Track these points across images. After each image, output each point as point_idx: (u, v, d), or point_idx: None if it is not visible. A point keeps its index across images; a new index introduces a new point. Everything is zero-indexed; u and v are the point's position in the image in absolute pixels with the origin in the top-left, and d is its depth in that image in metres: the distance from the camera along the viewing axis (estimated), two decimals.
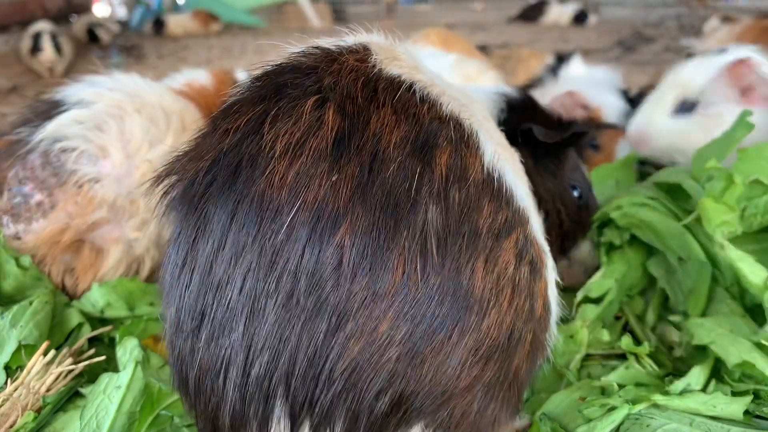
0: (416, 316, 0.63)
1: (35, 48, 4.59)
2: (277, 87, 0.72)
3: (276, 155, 0.64)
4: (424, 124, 0.69)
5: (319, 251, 0.61)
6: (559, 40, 6.41)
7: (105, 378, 1.05)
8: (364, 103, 0.68)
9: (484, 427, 0.74)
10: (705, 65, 1.72)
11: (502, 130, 0.94)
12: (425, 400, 0.66)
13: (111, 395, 1.02)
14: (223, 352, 0.65)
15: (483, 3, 11.61)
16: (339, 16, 8.92)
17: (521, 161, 0.93)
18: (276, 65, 0.79)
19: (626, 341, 1.12)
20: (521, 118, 1.14)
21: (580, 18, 7.71)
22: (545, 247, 0.81)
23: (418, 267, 0.62)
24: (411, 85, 0.73)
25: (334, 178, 0.62)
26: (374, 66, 0.74)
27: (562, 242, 1.21)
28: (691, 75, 1.72)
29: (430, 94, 0.74)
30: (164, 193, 0.74)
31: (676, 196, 1.30)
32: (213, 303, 0.65)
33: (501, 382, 0.72)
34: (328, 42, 0.82)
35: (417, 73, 0.78)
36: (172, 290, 0.70)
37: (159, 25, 7.44)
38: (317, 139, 0.64)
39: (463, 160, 0.69)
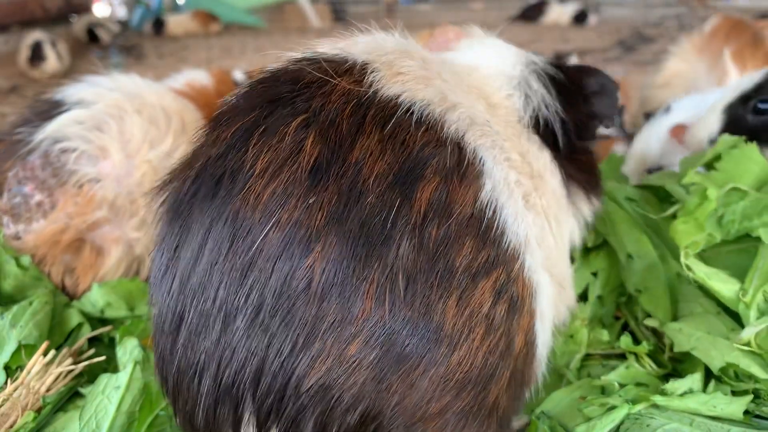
0: (385, 344, 0.63)
1: (35, 57, 4.57)
2: (271, 99, 0.72)
3: (255, 173, 0.65)
4: (414, 152, 0.68)
5: (289, 271, 0.62)
6: (559, 40, 6.41)
7: (104, 378, 1.05)
8: (348, 130, 0.67)
9: None
10: (655, 132, 1.75)
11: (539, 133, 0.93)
12: (395, 420, 0.67)
13: (110, 395, 1.02)
14: (197, 357, 0.67)
15: (483, 3, 11.60)
16: (339, 16, 8.92)
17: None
18: (276, 72, 0.79)
19: (625, 341, 1.12)
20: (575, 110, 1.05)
21: (580, 18, 7.70)
22: (536, 281, 0.79)
23: (387, 300, 0.63)
24: (410, 107, 0.72)
25: (310, 201, 0.63)
26: (370, 87, 0.73)
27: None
28: (647, 145, 1.76)
29: (432, 113, 0.73)
30: (162, 201, 0.77)
31: (664, 199, 1.31)
32: (190, 309, 0.67)
33: (476, 411, 0.72)
34: (330, 52, 0.81)
35: (424, 87, 0.76)
36: (155, 292, 0.73)
37: (159, 25, 7.44)
38: (294, 165, 0.65)
39: (450, 194, 0.68)
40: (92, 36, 6.56)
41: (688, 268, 1.05)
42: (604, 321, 1.23)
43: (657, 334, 1.19)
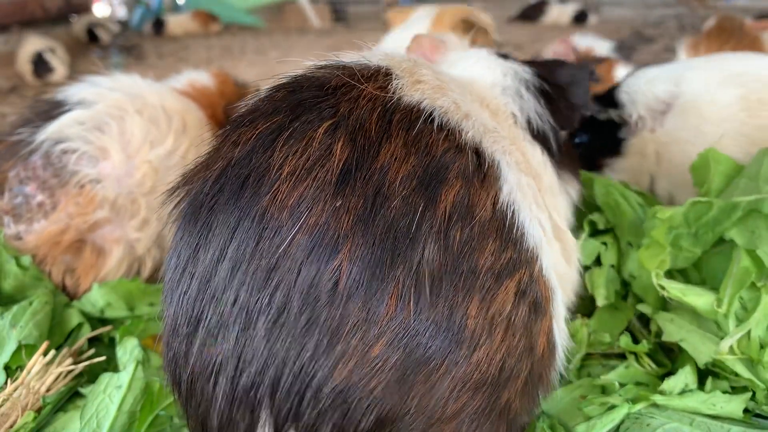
0: (408, 346, 0.63)
1: (40, 69, 4.53)
2: (294, 104, 0.72)
3: (283, 176, 0.65)
4: (436, 157, 0.69)
5: (316, 273, 0.62)
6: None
7: (105, 377, 1.05)
8: (376, 135, 0.68)
9: None
10: None
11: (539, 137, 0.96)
12: (412, 422, 0.67)
13: (111, 395, 1.02)
14: (214, 359, 0.66)
15: (483, 3, 11.61)
16: (339, 16, 8.92)
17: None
18: (297, 78, 0.79)
19: (625, 340, 1.12)
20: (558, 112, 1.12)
21: (580, 18, 7.71)
22: (553, 282, 0.80)
23: (412, 301, 0.63)
24: (431, 113, 0.73)
25: (337, 204, 0.63)
26: (394, 93, 0.74)
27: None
28: None
29: (450, 120, 0.74)
30: (176, 203, 0.76)
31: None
32: (208, 311, 0.66)
33: (488, 412, 0.73)
34: (352, 60, 0.82)
35: (440, 96, 0.78)
36: (171, 293, 0.71)
37: (159, 25, 7.44)
38: (324, 169, 0.65)
39: (471, 197, 0.69)
40: (92, 36, 6.56)
41: (662, 287, 1.06)
42: (617, 292, 1.25)
43: (658, 332, 1.19)
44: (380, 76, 0.77)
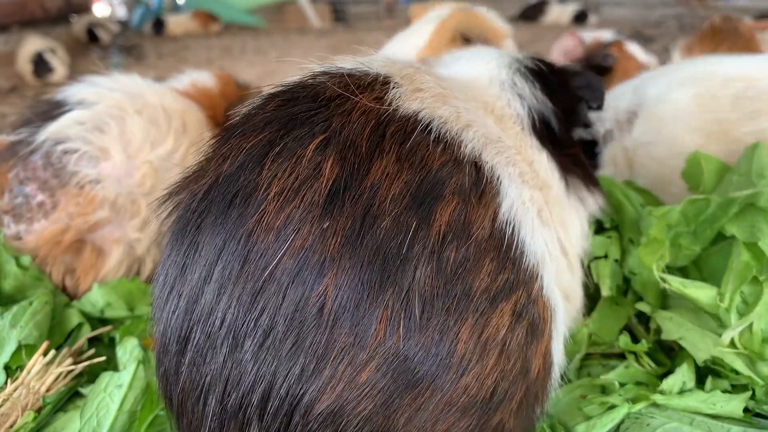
0: (396, 370, 0.63)
1: (40, 69, 4.54)
2: (287, 118, 0.71)
3: (270, 196, 0.64)
4: (432, 171, 0.67)
5: (301, 297, 0.61)
6: None
7: (106, 376, 1.05)
8: (368, 151, 0.66)
9: None
10: None
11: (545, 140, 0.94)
12: None
13: (112, 394, 1.02)
14: (203, 378, 0.66)
15: (483, 3, 11.59)
16: (339, 16, 8.92)
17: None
18: (292, 87, 0.77)
19: (624, 340, 1.12)
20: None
21: (580, 18, 7.71)
22: (553, 300, 0.78)
23: (401, 326, 0.62)
24: (428, 124, 0.71)
25: (324, 225, 0.62)
26: (390, 104, 0.72)
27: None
28: None
29: (449, 131, 0.72)
30: (168, 213, 0.75)
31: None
32: (197, 331, 0.66)
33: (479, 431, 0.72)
34: (351, 66, 0.80)
35: (441, 105, 0.76)
36: (160, 311, 0.71)
37: (159, 25, 7.44)
38: (312, 189, 0.64)
39: (468, 215, 0.66)
40: (92, 36, 6.57)
41: (663, 280, 1.07)
42: (619, 287, 1.25)
43: (657, 331, 1.20)
44: (378, 84, 0.75)
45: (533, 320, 0.72)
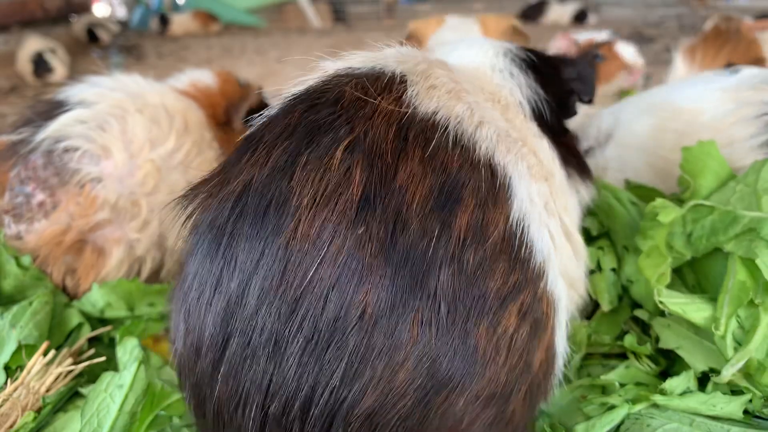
0: (430, 369, 0.65)
1: (40, 69, 4.54)
2: (311, 126, 0.72)
3: (303, 205, 0.65)
4: (452, 174, 0.68)
5: (342, 303, 0.62)
6: None
7: (107, 376, 1.05)
8: (393, 156, 0.68)
9: None
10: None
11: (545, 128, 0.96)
12: None
13: (113, 394, 1.02)
14: (242, 387, 0.67)
15: (483, 3, 11.60)
16: (339, 16, 8.92)
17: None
18: (314, 90, 0.78)
19: (629, 340, 1.12)
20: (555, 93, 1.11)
21: (580, 18, 7.72)
22: (557, 294, 0.80)
23: (432, 327, 0.64)
24: (446, 126, 0.73)
25: (359, 232, 0.63)
26: (408, 106, 0.74)
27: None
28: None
29: (465, 132, 0.74)
30: (189, 215, 0.75)
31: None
32: (235, 339, 0.67)
33: (498, 422, 0.74)
34: (366, 66, 0.81)
35: (456, 102, 0.77)
36: (192, 317, 0.71)
37: (164, 22, 7.44)
38: (343, 197, 0.65)
39: (485, 217, 0.68)
40: (92, 36, 6.57)
41: (663, 304, 1.05)
42: (617, 294, 1.25)
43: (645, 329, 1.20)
44: (395, 85, 0.76)
45: (537, 317, 0.74)
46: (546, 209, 0.83)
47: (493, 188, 0.71)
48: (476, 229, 0.67)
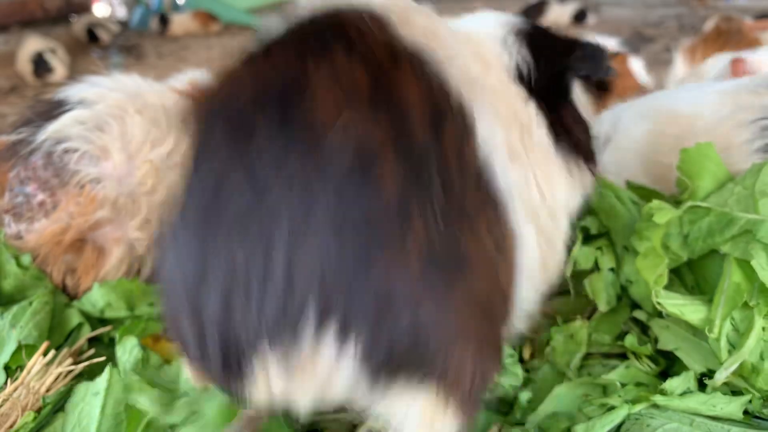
0: (434, 257, 0.67)
1: (40, 69, 4.53)
2: (305, 36, 0.76)
3: (320, 94, 0.68)
4: (438, 99, 0.73)
5: (362, 190, 0.65)
6: None
7: (81, 388, 1.04)
8: (387, 59, 0.73)
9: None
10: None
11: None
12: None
13: (91, 402, 1.02)
14: (258, 270, 0.66)
15: (483, 3, 11.61)
16: None
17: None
18: (301, 23, 0.80)
19: (630, 340, 1.12)
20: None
21: (579, 17, 7.71)
22: (519, 233, 0.83)
23: (430, 219, 0.67)
24: (423, 55, 0.76)
25: (373, 118, 0.67)
26: (393, 32, 0.77)
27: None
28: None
29: (439, 65, 0.77)
30: (200, 108, 0.77)
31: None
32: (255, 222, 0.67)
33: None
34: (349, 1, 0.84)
35: (431, 40, 0.81)
36: (198, 231, 0.69)
37: (164, 22, 7.43)
38: (353, 87, 0.69)
39: (462, 142, 0.74)
40: (92, 36, 6.56)
41: (661, 305, 1.05)
42: (617, 294, 1.25)
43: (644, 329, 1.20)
44: (377, 16, 0.80)
45: (498, 238, 0.78)
46: (511, 155, 0.87)
47: (463, 117, 0.76)
48: (456, 150, 0.73)
